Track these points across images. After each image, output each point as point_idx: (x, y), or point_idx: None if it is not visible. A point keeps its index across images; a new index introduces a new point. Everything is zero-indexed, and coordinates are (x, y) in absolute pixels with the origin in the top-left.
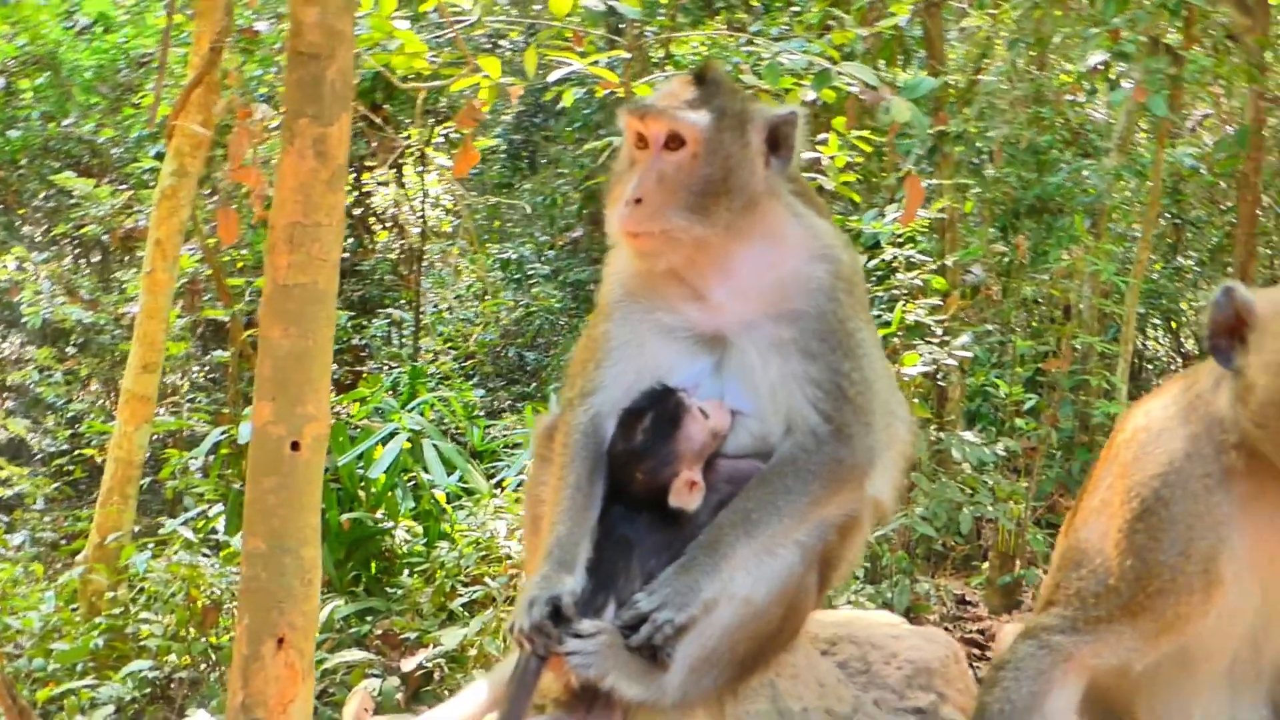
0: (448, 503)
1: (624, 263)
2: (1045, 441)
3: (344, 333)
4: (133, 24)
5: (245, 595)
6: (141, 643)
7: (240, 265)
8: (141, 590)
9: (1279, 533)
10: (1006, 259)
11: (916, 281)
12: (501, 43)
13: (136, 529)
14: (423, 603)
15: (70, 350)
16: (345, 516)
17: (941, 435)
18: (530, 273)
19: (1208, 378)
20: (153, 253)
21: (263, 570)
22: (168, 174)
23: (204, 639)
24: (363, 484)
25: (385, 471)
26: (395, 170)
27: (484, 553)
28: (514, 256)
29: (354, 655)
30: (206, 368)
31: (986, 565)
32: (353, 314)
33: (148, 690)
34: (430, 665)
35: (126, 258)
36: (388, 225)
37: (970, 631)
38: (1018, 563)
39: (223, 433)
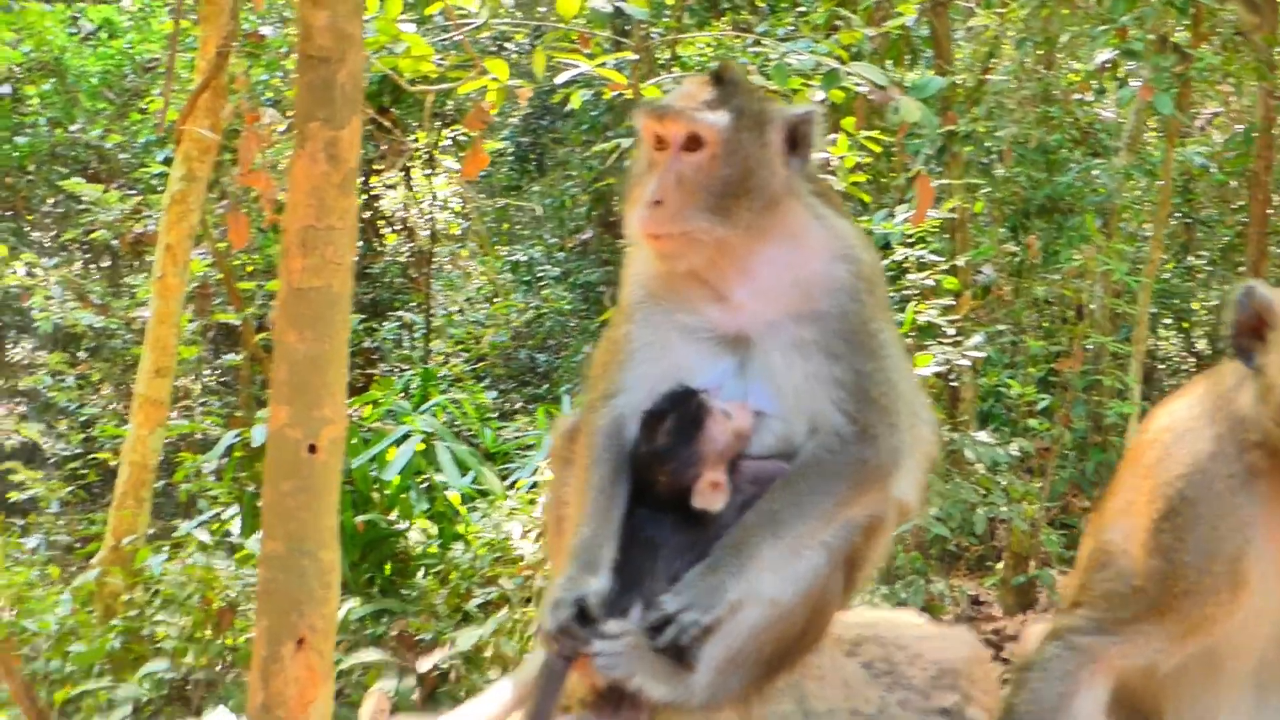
0: (461, 504)
1: (644, 264)
2: (1058, 442)
3: (355, 336)
4: (137, 29)
5: (264, 597)
6: (158, 644)
7: (250, 269)
8: (157, 592)
9: None
10: (1018, 259)
11: (928, 282)
12: (507, 45)
13: (151, 532)
14: (437, 604)
15: (82, 355)
16: (359, 518)
17: (955, 436)
18: (540, 275)
19: (1231, 378)
20: (163, 258)
21: (281, 573)
22: (176, 179)
23: (220, 640)
24: (376, 486)
25: (399, 473)
26: (403, 173)
27: (498, 554)
28: (524, 259)
29: (370, 656)
30: (218, 371)
31: (1000, 565)
32: (364, 317)
33: (164, 691)
34: (446, 666)
35: (136, 262)
36: (396, 228)
37: (985, 632)
38: (1031, 563)
39: (236, 436)
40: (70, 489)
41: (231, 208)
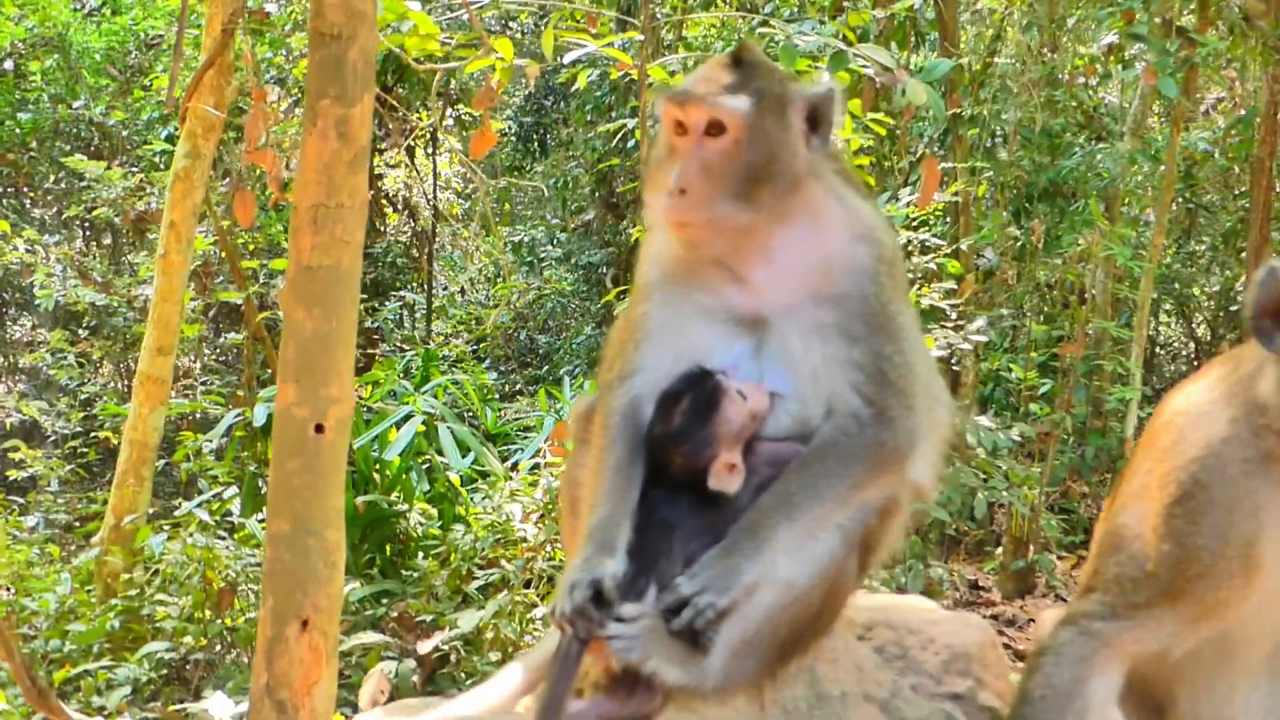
0: (462, 485)
1: (662, 245)
2: (1059, 427)
3: (357, 316)
4: (141, 5)
5: (269, 577)
6: (157, 624)
7: (251, 248)
8: (157, 572)
9: None
10: (1020, 243)
11: (931, 265)
12: (511, 24)
13: (151, 511)
14: (438, 585)
15: (83, 333)
16: (360, 499)
17: (955, 420)
18: (542, 256)
19: (1249, 362)
20: (167, 235)
21: (286, 552)
22: (181, 156)
23: (220, 621)
24: (378, 466)
25: (400, 454)
26: (406, 153)
27: (499, 536)
28: (526, 239)
29: (370, 638)
30: (218, 350)
31: (1000, 550)
32: (365, 297)
33: (164, 671)
34: (446, 648)
35: (137, 240)
36: (398, 208)
37: (984, 617)
38: (1031, 548)
39: (238, 415)
40: (70, 467)
41: (238, 185)
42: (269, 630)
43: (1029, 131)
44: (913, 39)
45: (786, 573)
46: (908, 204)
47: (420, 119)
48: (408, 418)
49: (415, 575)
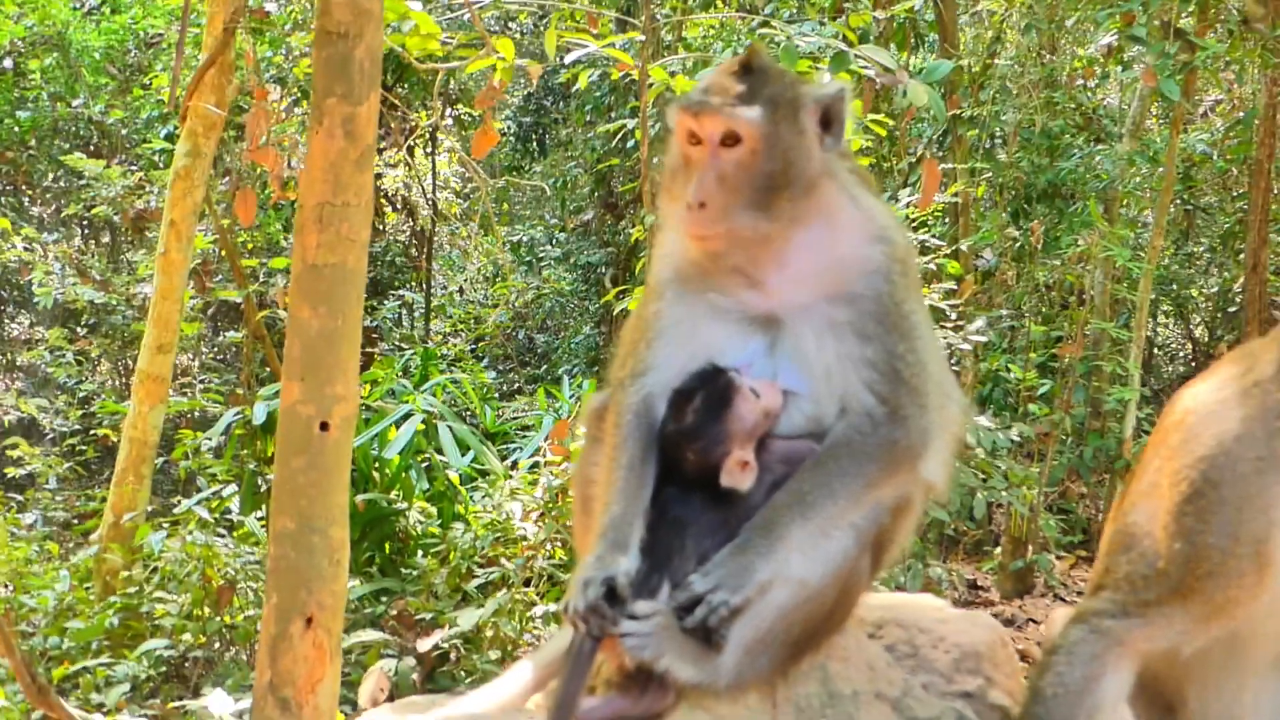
0: (461, 484)
1: (674, 244)
2: (1058, 427)
3: None
4: (140, 4)
5: (273, 575)
6: (156, 622)
7: (250, 247)
8: (156, 570)
9: None
10: (1019, 244)
11: (930, 266)
12: (511, 24)
13: (150, 509)
14: (437, 584)
15: (81, 331)
16: (360, 497)
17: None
18: (541, 255)
19: (1266, 362)
20: (167, 234)
21: (291, 550)
22: (182, 155)
23: (219, 618)
24: (377, 465)
25: (400, 452)
26: (406, 152)
27: (498, 534)
28: (525, 239)
29: (369, 636)
30: (216, 349)
31: (998, 550)
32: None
33: (163, 669)
34: (446, 646)
35: (136, 239)
36: (397, 207)
37: None
38: (1029, 548)
39: (237, 413)
40: (68, 465)
41: (238, 184)
42: (273, 628)
43: (1028, 133)
44: (912, 40)
45: (800, 571)
46: (907, 205)
47: (420, 119)
48: (407, 416)
49: (415, 573)
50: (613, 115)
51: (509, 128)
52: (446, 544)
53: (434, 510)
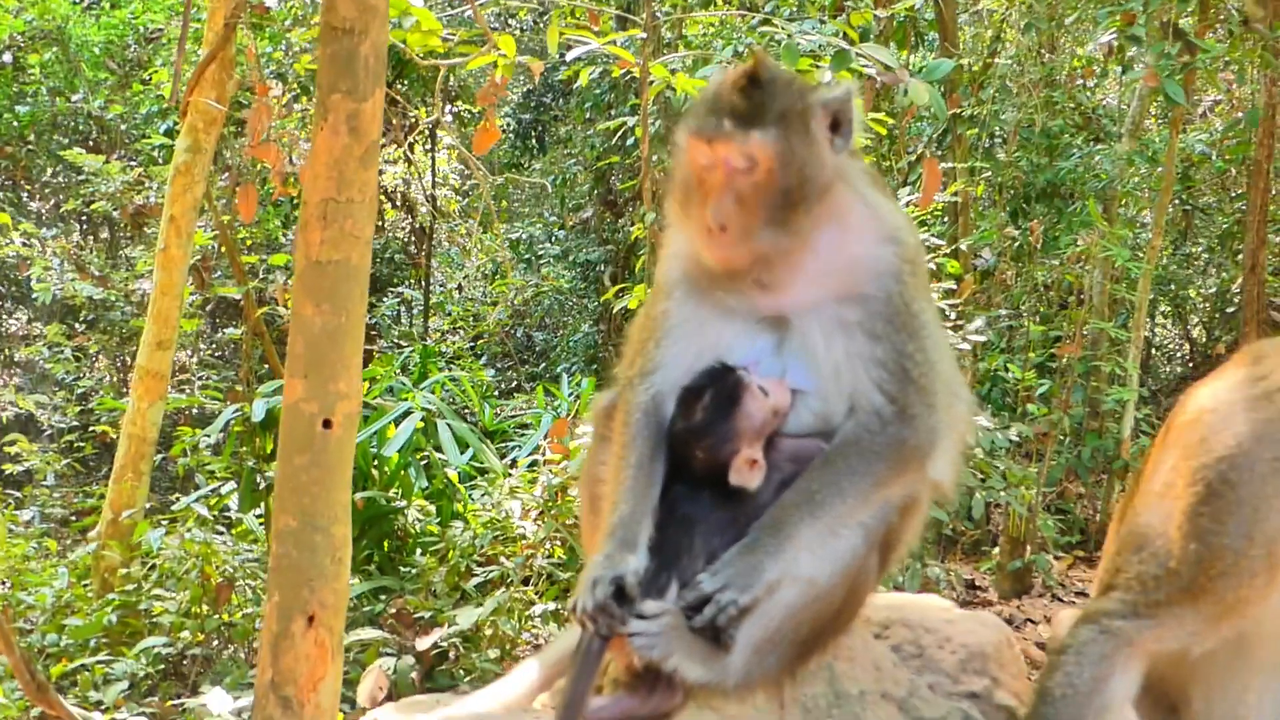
0: (460, 482)
1: (682, 243)
2: (1056, 427)
3: None
4: None
5: (275, 573)
6: (155, 619)
7: (250, 243)
8: (155, 567)
9: None
10: (1018, 244)
11: (930, 265)
12: (511, 21)
13: (149, 506)
14: (436, 582)
15: (80, 327)
16: (359, 495)
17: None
18: (540, 253)
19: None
20: (167, 229)
21: (294, 548)
22: (182, 150)
23: (217, 616)
24: (376, 462)
25: (399, 450)
26: (405, 149)
27: (498, 533)
28: (524, 236)
29: (368, 634)
30: (215, 345)
31: (997, 550)
32: None
33: (161, 666)
34: (445, 645)
35: (135, 234)
36: (397, 204)
37: None
38: (1028, 548)
39: (236, 410)
40: (66, 462)
41: (238, 179)
42: (275, 626)
43: (1028, 132)
44: (912, 39)
45: (809, 570)
46: (907, 204)
47: (420, 115)
48: (406, 414)
49: (414, 572)
50: (613, 113)
51: (509, 125)
52: (445, 542)
53: (433, 508)
